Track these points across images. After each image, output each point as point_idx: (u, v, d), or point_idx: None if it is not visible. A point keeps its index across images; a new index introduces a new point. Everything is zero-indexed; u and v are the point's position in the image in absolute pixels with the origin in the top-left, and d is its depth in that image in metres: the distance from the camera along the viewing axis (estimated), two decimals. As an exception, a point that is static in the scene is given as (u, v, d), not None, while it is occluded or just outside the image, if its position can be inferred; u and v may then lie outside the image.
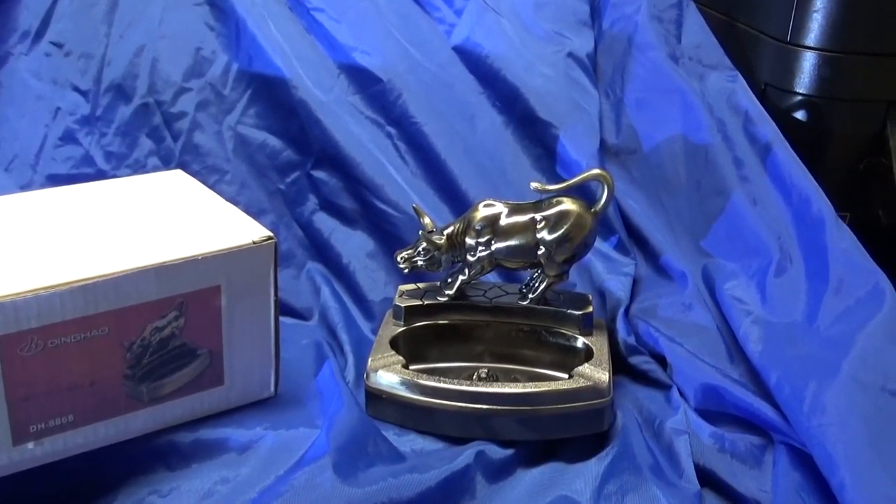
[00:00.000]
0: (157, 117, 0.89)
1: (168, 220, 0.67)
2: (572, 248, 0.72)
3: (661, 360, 0.75)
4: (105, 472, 0.61)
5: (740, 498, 0.63)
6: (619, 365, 0.76)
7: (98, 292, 0.57)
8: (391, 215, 0.86)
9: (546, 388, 0.67)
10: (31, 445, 0.58)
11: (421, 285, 0.78)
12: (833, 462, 0.58)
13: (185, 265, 0.61)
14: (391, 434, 0.67)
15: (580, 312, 0.74)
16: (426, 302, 0.75)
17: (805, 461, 0.63)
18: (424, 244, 0.74)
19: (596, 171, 0.73)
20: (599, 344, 0.72)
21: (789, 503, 0.60)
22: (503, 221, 0.73)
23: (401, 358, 0.70)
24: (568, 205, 0.72)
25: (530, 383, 0.68)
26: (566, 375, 0.71)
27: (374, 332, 0.79)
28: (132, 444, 0.62)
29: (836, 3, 0.85)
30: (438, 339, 0.75)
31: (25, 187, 0.85)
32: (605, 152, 0.90)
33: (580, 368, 0.68)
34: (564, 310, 0.74)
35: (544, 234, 0.72)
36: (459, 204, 0.86)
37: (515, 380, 0.73)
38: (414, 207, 0.76)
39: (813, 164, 0.83)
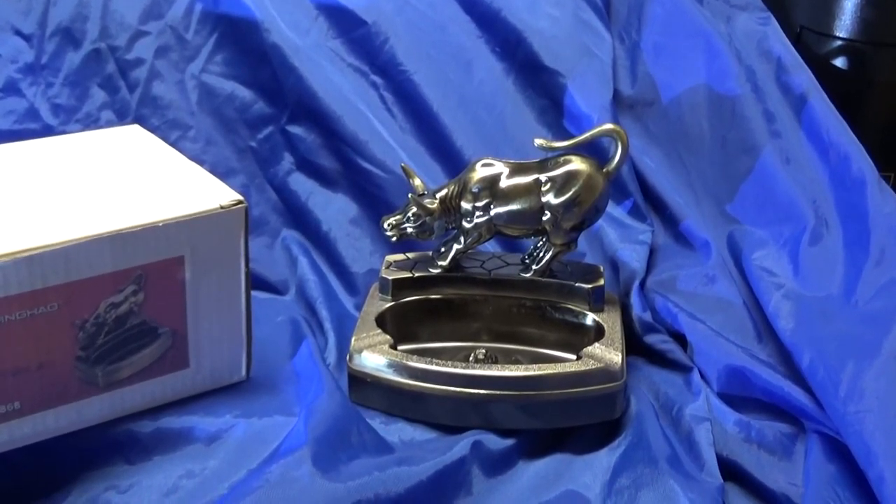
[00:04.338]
0: (110, 65, 0.89)
1: (124, 181, 0.67)
2: (581, 213, 0.72)
3: (681, 339, 0.76)
4: (56, 466, 0.62)
5: (768, 492, 0.64)
6: (634, 345, 0.76)
7: (46, 264, 0.57)
8: (377, 176, 0.86)
9: (551, 371, 0.67)
10: (-28, 436, 0.58)
11: (411, 255, 0.78)
12: (871, 453, 0.58)
13: (143, 233, 0.61)
14: (377, 422, 0.68)
15: (590, 286, 0.74)
16: (416, 274, 0.76)
17: (840, 452, 0.63)
18: (414, 209, 0.74)
19: (608, 125, 0.73)
20: (611, 321, 0.73)
21: (822, 498, 0.61)
22: (503, 183, 0.73)
23: (388, 337, 0.70)
24: (577, 164, 0.72)
25: (533, 365, 0.68)
26: (574, 356, 0.71)
27: (358, 308, 0.79)
28: (86, 435, 0.63)
29: (881, -66, 0.85)
30: (430, 315, 0.76)
31: (-39, 145, 0.85)
32: (619, 104, 0.90)
33: (590, 349, 0.69)
34: (572, 283, 0.74)
35: (550, 198, 0.72)
36: (454, 163, 0.86)
37: (517, 361, 0.73)
38: (402, 167, 0.76)
39: (853, 117, 0.83)
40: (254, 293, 0.69)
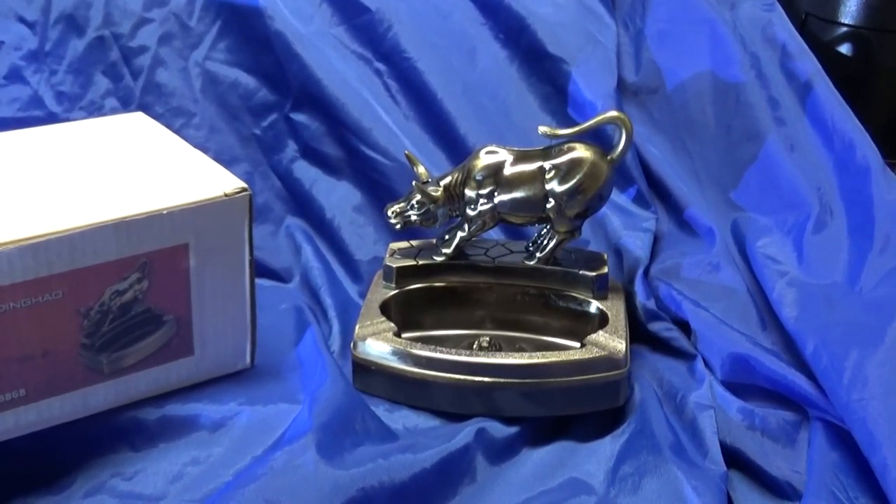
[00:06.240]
0: (114, 52, 0.89)
1: (128, 169, 0.67)
2: (585, 200, 0.72)
3: (685, 327, 0.76)
4: (61, 453, 0.62)
5: (771, 480, 0.64)
6: (638, 332, 0.76)
7: (50, 251, 0.57)
8: (381, 163, 0.85)
9: (555, 359, 0.67)
10: (-22, 423, 0.59)
11: (414, 243, 0.78)
12: (875, 441, 0.58)
13: (147, 221, 0.61)
14: (381, 410, 0.68)
15: (594, 273, 0.74)
16: (420, 262, 0.75)
17: (844, 439, 0.63)
18: (418, 196, 0.73)
19: (612, 113, 0.73)
20: (615, 309, 0.73)
21: (825, 485, 0.61)
22: (507, 171, 0.72)
23: (392, 325, 0.70)
24: (581, 152, 0.72)
25: (537, 353, 0.68)
26: (578, 344, 0.71)
27: (362, 295, 0.79)
28: (91, 422, 0.63)
29: (887, -81, 0.85)
30: (434, 303, 0.76)
31: (-34, 132, 0.85)
32: (623, 92, 0.90)
33: (593, 336, 0.69)
34: (576, 270, 0.74)
35: (554, 185, 0.72)
36: (458, 150, 0.86)
37: (521, 349, 0.73)
38: (406, 154, 0.76)
39: (858, 104, 0.82)
40: (258, 281, 0.69)
